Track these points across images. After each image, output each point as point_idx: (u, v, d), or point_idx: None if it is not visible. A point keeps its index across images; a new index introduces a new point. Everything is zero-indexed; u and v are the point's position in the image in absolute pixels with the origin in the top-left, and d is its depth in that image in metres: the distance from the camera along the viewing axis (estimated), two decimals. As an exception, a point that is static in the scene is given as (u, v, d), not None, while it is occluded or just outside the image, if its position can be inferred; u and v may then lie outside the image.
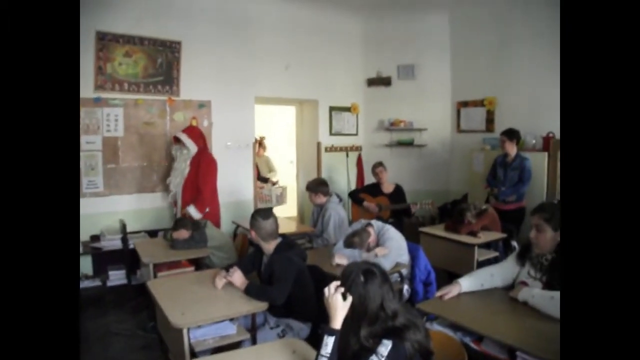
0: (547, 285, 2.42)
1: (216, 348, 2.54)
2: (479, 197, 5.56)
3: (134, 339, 3.89)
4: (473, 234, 4.24)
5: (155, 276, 3.68)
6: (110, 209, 5.22)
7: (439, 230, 4.56)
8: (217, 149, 5.88)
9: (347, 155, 7.24)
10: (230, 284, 2.91)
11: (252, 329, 2.75)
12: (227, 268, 3.06)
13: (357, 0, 6.53)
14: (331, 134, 7.11)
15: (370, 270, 1.81)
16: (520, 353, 2.01)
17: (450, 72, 6.92)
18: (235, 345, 2.59)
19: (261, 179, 6.83)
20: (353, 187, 6.99)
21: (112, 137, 5.21)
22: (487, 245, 4.34)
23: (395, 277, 3.46)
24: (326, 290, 1.82)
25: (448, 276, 4.19)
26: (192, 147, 4.85)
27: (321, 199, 4.73)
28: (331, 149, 7.10)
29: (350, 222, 4.80)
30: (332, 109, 7.08)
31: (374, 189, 5.62)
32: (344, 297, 1.77)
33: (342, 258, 3.44)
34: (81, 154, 5.02)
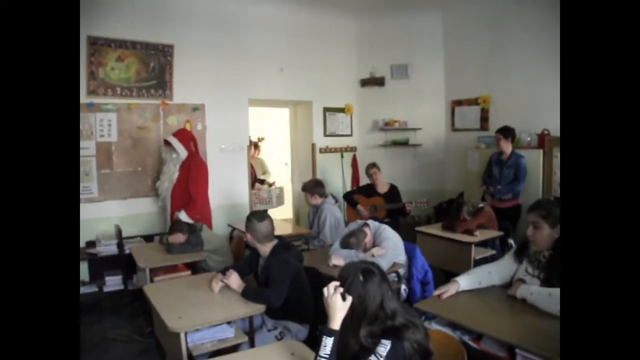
0: (545, 282, 2.42)
1: (214, 351, 2.52)
2: (474, 195, 5.56)
3: (131, 345, 3.87)
4: (469, 232, 4.24)
5: (151, 281, 3.65)
6: (105, 215, 5.19)
7: (435, 230, 4.56)
8: (211, 152, 5.88)
9: (342, 156, 7.24)
10: (227, 287, 2.90)
11: (250, 332, 2.74)
12: (224, 271, 3.04)
13: (349, 0, 6.53)
14: (325, 135, 7.11)
15: (370, 270, 1.80)
16: (519, 350, 2.01)
17: (444, 71, 6.93)
18: (233, 349, 2.57)
19: (257, 180, 6.82)
20: (348, 188, 6.99)
21: (105, 142, 5.18)
22: (483, 244, 4.34)
23: (392, 276, 3.45)
24: (325, 290, 1.80)
25: (445, 275, 4.19)
26: (182, 152, 4.75)
27: (317, 200, 4.72)
28: (326, 150, 7.09)
29: (346, 223, 4.79)
30: (326, 110, 7.08)
31: (369, 190, 5.62)
32: (343, 298, 1.76)
33: (338, 259, 3.43)
34: (75, 159, 4.99)
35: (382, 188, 5.57)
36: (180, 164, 4.77)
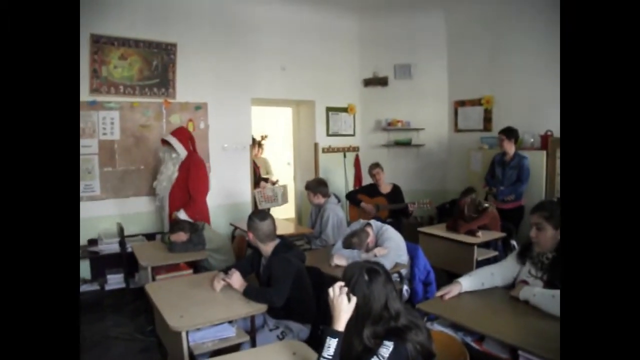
0: (548, 284, 2.41)
1: (215, 351, 2.52)
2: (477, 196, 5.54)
3: (132, 343, 3.87)
4: (472, 233, 4.23)
5: (153, 279, 3.65)
6: (107, 213, 5.20)
7: (437, 230, 4.55)
8: (213, 151, 5.88)
9: (345, 156, 7.23)
10: (228, 286, 2.89)
11: (252, 331, 2.74)
12: (226, 270, 3.04)
13: (352, 0, 6.52)
14: (328, 134, 7.10)
15: (375, 269, 1.79)
16: (522, 352, 2.00)
17: (447, 72, 6.91)
18: (235, 348, 2.57)
19: (261, 179, 6.80)
20: (351, 187, 6.98)
21: (108, 141, 5.18)
22: (486, 245, 4.33)
23: (394, 277, 3.44)
24: (330, 290, 1.78)
25: (447, 276, 4.18)
26: (182, 152, 4.67)
27: (320, 200, 4.72)
28: (328, 150, 7.08)
29: (349, 223, 4.79)
30: (329, 109, 7.07)
31: (372, 190, 5.61)
32: (349, 299, 1.74)
33: (341, 259, 3.43)
34: (78, 157, 4.99)
35: (385, 188, 5.56)
36: (179, 163, 4.70)
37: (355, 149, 7.34)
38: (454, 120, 6.89)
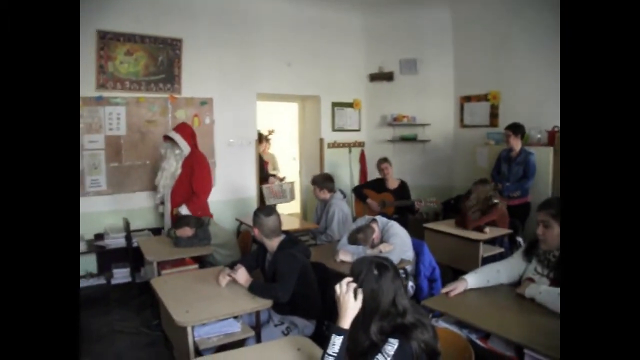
0: (555, 282, 2.40)
1: (220, 346, 2.53)
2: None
3: (138, 337, 3.90)
4: (479, 229, 4.22)
5: (159, 274, 3.66)
6: (113, 208, 5.22)
7: (443, 226, 4.54)
8: (219, 147, 5.89)
9: (350, 151, 7.22)
10: (234, 281, 2.90)
11: (257, 327, 2.74)
12: (231, 265, 3.05)
13: (358, -5, 6.50)
14: (334, 130, 7.09)
15: (384, 264, 1.78)
16: (527, 350, 1.99)
17: (453, 67, 6.86)
18: (240, 343, 2.57)
19: (270, 175, 6.78)
20: (356, 183, 6.96)
21: (114, 136, 5.20)
22: (492, 241, 4.31)
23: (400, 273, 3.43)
24: (337, 287, 1.77)
25: (453, 272, 4.17)
26: (185, 148, 4.62)
27: (325, 195, 4.73)
28: (334, 145, 7.07)
29: (354, 219, 4.78)
30: (334, 104, 7.06)
31: (379, 185, 5.60)
32: (355, 295, 1.73)
33: (346, 254, 3.43)
34: (84, 153, 5.02)
35: (393, 184, 5.56)
36: (183, 159, 4.65)
37: (361, 144, 7.33)
38: (459, 115, 6.85)
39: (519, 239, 4.51)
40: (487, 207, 4.37)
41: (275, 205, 5.72)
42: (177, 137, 4.60)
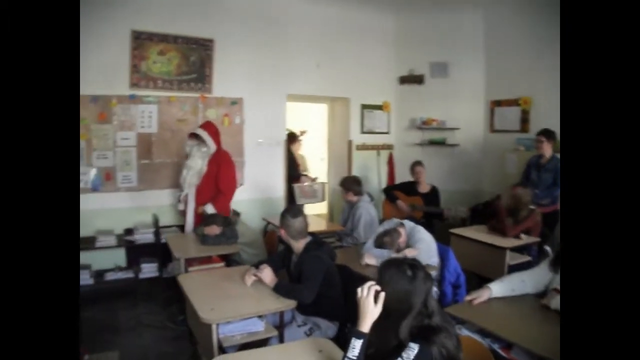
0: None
1: (244, 344, 2.56)
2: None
3: (164, 331, 3.98)
4: (517, 236, 4.16)
5: (186, 270, 3.71)
6: (143, 204, 5.34)
7: (470, 232, 4.48)
8: (248, 146, 5.95)
9: (379, 154, 7.20)
10: (259, 281, 2.93)
11: (280, 327, 2.77)
12: (257, 265, 3.08)
13: (390, -3, 6.47)
14: (362, 132, 7.07)
15: (416, 265, 1.78)
16: (551, 363, 1.97)
17: (484, 71, 6.77)
18: (263, 342, 2.60)
19: (302, 175, 6.78)
20: (384, 185, 6.94)
21: (146, 134, 5.32)
22: (519, 249, 4.24)
23: (424, 278, 3.42)
24: (359, 290, 1.78)
25: (478, 279, 4.12)
26: (212, 146, 4.61)
27: (352, 197, 4.74)
28: (362, 147, 7.06)
29: (381, 220, 4.77)
30: (363, 107, 7.04)
31: (410, 188, 5.60)
32: (376, 300, 1.74)
33: (371, 258, 3.44)
34: (117, 149, 5.16)
35: (424, 188, 5.55)
36: (209, 157, 4.66)
37: (390, 147, 7.29)
38: (490, 120, 6.76)
39: (547, 248, 4.42)
40: (523, 213, 4.30)
41: (303, 205, 5.76)
42: (205, 135, 4.59)
